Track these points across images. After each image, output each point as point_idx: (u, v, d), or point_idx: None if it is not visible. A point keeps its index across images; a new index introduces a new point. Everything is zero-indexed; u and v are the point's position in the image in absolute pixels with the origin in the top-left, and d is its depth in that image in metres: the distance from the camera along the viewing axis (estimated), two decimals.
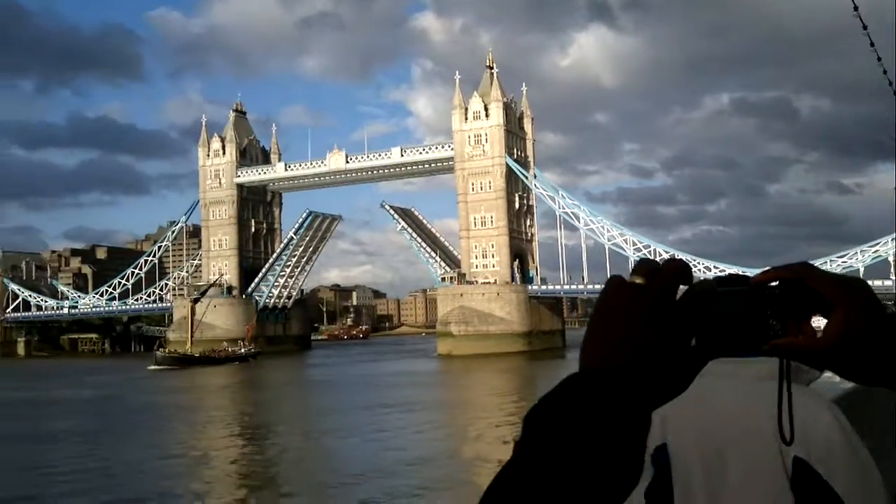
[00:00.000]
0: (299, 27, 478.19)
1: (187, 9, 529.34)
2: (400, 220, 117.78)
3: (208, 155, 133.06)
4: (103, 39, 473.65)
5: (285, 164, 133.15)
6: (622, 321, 0.73)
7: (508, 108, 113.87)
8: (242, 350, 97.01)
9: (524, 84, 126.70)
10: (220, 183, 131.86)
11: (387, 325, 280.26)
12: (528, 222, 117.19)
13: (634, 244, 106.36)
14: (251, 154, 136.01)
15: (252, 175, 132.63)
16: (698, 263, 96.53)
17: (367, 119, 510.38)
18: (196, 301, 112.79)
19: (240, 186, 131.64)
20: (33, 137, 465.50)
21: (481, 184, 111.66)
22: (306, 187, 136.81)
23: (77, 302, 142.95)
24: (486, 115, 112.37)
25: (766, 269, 0.80)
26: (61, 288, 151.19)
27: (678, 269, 0.75)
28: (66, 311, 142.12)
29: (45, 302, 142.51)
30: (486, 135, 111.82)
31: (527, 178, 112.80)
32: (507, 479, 0.67)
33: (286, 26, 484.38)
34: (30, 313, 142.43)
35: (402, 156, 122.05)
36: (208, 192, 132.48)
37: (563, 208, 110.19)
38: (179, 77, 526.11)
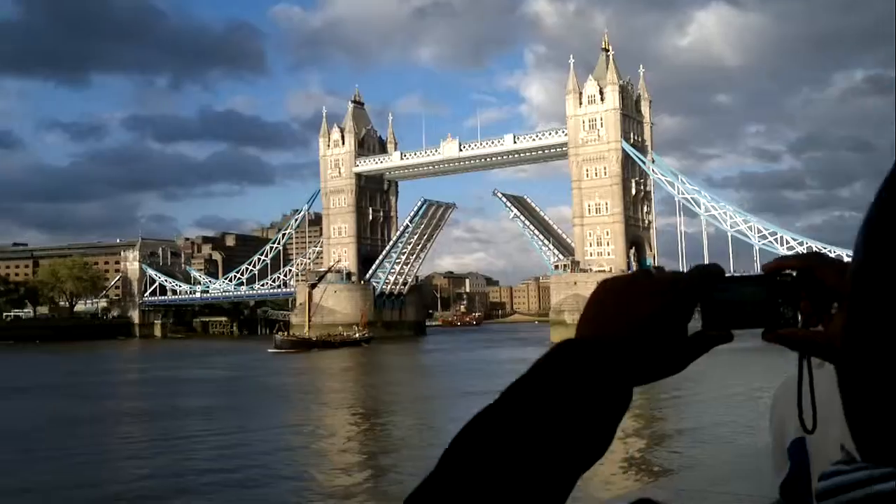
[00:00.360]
0: (414, 17, 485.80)
1: (307, 4, 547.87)
2: (513, 207, 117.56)
3: (328, 145, 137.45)
4: (229, 36, 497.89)
5: (401, 153, 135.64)
6: (639, 304, 0.77)
7: (624, 91, 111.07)
8: (357, 335, 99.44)
9: (641, 66, 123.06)
10: (339, 172, 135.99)
11: (499, 312, 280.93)
12: (644, 209, 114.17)
13: (759, 231, 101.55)
14: (369, 144, 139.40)
15: (369, 164, 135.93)
16: (831, 251, 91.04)
17: (479, 106, 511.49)
18: (313, 286, 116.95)
19: (358, 175, 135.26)
20: (168, 131, 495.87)
21: (596, 170, 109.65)
22: (421, 175, 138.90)
23: (208, 287, 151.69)
24: (602, 99, 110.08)
25: (779, 257, 0.81)
26: (194, 273, 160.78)
27: (710, 272, 0.79)
28: (198, 295, 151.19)
29: (180, 286, 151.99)
30: (602, 119, 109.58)
31: (644, 162, 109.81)
32: (479, 425, 0.71)
33: (401, 17, 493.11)
34: (166, 297, 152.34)
35: (514, 142, 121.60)
36: (328, 181, 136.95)
37: (683, 194, 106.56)
38: (300, 70, 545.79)
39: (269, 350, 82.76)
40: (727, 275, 0.80)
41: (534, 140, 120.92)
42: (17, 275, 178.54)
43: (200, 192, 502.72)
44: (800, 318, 0.81)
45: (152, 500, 16.49)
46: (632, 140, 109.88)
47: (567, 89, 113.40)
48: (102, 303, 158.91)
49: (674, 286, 0.78)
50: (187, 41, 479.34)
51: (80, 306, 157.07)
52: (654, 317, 0.77)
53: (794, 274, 0.81)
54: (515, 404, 0.71)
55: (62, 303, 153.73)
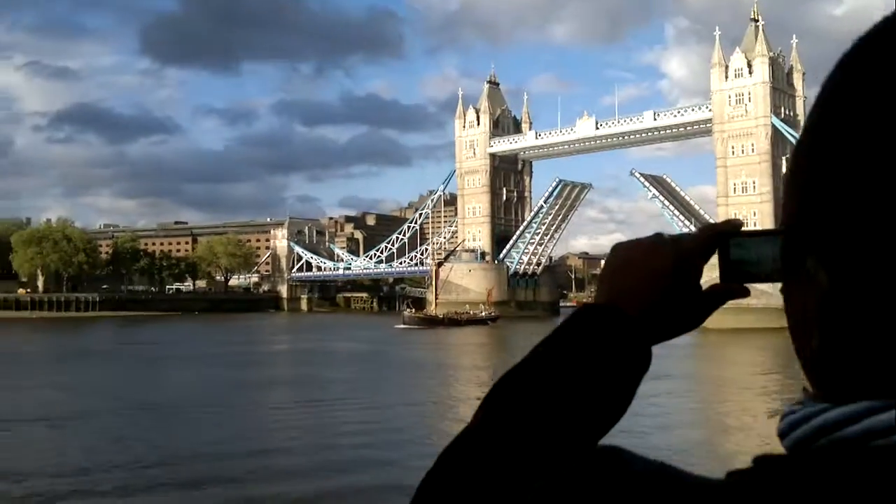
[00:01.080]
0: None
1: None
2: (651, 187, 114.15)
3: (464, 126, 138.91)
4: (370, 22, 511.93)
5: (536, 133, 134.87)
6: (647, 267, 0.80)
7: (775, 64, 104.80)
8: (483, 313, 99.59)
9: (794, 36, 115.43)
10: (474, 153, 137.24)
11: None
12: None
13: None
14: (503, 124, 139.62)
15: (504, 145, 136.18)
16: None
17: (616, 84, 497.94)
18: (439, 265, 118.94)
19: (492, 156, 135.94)
20: (312, 115, 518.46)
21: (742, 146, 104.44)
22: (556, 155, 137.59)
23: (350, 264, 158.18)
24: (750, 72, 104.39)
25: None
26: (337, 251, 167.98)
27: (711, 231, 0.79)
28: (341, 271, 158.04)
29: (324, 263, 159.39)
30: (749, 93, 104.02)
31: (796, 138, 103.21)
32: (506, 385, 0.75)
33: None
34: (311, 273, 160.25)
35: (654, 119, 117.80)
36: (464, 161, 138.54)
37: None
38: (436, 53, 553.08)
39: (397, 326, 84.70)
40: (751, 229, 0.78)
41: (675, 116, 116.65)
42: (178, 251, 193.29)
43: (342, 173, 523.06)
44: None
45: (299, 456, 17.80)
46: (782, 115, 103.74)
47: (712, 62, 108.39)
48: (254, 278, 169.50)
49: (676, 245, 0.80)
50: (330, 28, 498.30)
51: (233, 281, 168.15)
52: (662, 277, 0.79)
53: None
54: (538, 367, 0.75)
55: (218, 277, 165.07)
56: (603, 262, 0.83)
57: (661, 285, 0.79)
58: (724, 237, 0.78)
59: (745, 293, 0.80)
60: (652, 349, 0.77)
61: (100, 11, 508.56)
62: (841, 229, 0.47)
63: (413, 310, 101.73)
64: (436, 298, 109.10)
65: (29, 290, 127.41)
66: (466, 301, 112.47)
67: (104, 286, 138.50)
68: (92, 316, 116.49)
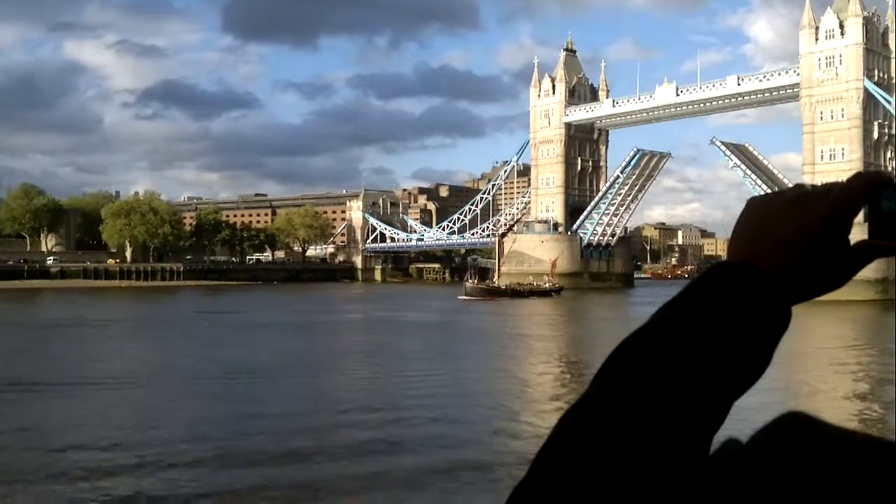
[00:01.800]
0: None
1: None
2: (732, 156, 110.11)
3: (539, 95, 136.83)
4: None
5: (613, 101, 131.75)
6: (793, 221, 0.73)
7: (869, 24, 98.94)
8: (546, 284, 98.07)
9: None
10: (549, 122, 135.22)
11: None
12: (888, 155, 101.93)
13: None
14: (580, 92, 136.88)
15: (580, 114, 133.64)
16: None
17: (698, 49, 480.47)
18: (503, 235, 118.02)
19: (567, 125, 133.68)
20: (387, 88, 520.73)
21: (832, 112, 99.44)
22: (633, 123, 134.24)
23: (423, 235, 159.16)
24: (842, 34, 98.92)
25: None
26: (410, 222, 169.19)
27: (865, 181, 0.73)
28: (414, 242, 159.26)
29: (398, 234, 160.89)
30: (841, 56, 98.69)
31: (890, 103, 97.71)
32: (641, 342, 0.70)
33: None
34: (385, 244, 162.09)
35: (738, 85, 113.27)
36: (538, 131, 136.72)
37: None
38: (511, 21, 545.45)
39: (459, 297, 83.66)
40: None
41: (760, 81, 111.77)
42: (258, 222, 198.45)
43: (416, 145, 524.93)
44: None
45: (372, 430, 18.06)
46: (876, 78, 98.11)
47: (801, 24, 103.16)
48: (330, 248, 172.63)
49: (825, 197, 0.73)
50: (405, 0, 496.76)
51: (311, 251, 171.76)
52: (803, 230, 0.73)
53: None
54: (669, 328, 0.70)
55: (296, 248, 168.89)
56: (734, 225, 0.77)
57: (809, 241, 0.72)
58: (876, 189, 0.72)
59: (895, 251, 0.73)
60: (755, 309, 0.70)
61: None
62: None
63: (476, 280, 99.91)
64: (499, 269, 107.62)
65: (118, 260, 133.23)
66: (541, 272, 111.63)
67: (188, 256, 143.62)
68: (177, 285, 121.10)
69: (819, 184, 0.78)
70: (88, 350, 34.03)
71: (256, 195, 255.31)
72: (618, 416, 0.65)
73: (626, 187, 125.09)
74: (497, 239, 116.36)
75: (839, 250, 0.73)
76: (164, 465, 14.22)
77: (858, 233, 0.69)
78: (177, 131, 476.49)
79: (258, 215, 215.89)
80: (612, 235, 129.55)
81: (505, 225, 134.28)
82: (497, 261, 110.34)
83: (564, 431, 0.65)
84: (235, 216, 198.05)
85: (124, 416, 19.00)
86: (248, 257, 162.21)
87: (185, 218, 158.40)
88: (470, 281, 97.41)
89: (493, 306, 72.03)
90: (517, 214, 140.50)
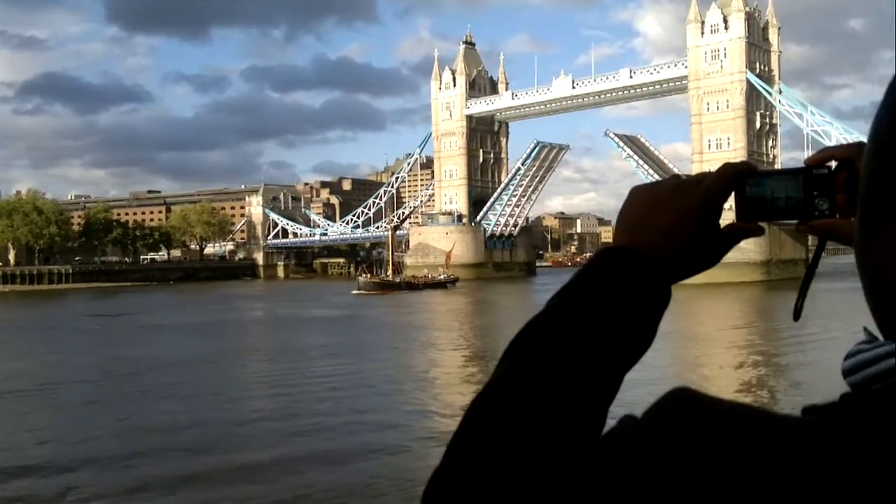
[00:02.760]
0: None
1: None
2: (626, 147, 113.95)
3: (440, 88, 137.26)
4: None
5: (512, 93, 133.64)
6: (671, 208, 0.82)
7: (751, 19, 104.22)
8: (442, 276, 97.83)
9: None
10: (450, 115, 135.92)
11: None
12: (770, 143, 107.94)
13: None
14: (480, 84, 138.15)
15: (481, 106, 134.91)
16: None
17: (591, 43, 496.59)
18: (395, 229, 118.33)
19: (469, 118, 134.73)
20: (285, 81, 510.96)
21: (717, 103, 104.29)
22: (532, 115, 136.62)
23: (326, 230, 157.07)
24: (726, 28, 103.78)
25: (823, 148, 0.84)
26: (313, 217, 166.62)
27: (732, 170, 0.82)
28: (317, 237, 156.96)
29: (300, 230, 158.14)
30: (725, 49, 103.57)
31: (770, 94, 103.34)
32: (540, 327, 0.77)
33: None
34: (287, 240, 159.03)
35: (630, 77, 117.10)
36: (440, 124, 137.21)
37: (812, 126, 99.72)
38: (410, 15, 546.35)
39: (353, 292, 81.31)
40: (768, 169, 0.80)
41: (651, 74, 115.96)
42: (151, 220, 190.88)
43: (317, 138, 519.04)
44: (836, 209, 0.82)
45: (276, 422, 17.47)
46: (757, 70, 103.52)
47: (688, 19, 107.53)
48: (229, 246, 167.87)
49: (699, 185, 0.82)
50: None
51: (209, 249, 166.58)
52: (682, 216, 0.81)
53: (832, 167, 0.82)
54: (564, 312, 0.77)
55: (193, 246, 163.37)
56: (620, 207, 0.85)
57: (686, 225, 0.81)
58: (741, 176, 0.82)
59: (760, 231, 0.83)
60: (638, 290, 0.79)
61: None
62: None
63: (368, 275, 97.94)
64: (392, 262, 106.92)
65: (0, 264, 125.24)
66: (444, 263, 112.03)
67: (77, 258, 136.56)
68: (65, 288, 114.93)
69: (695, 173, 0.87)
70: None
71: (149, 192, 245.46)
72: (519, 396, 0.71)
73: (527, 179, 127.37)
74: (390, 232, 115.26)
75: (712, 233, 0.83)
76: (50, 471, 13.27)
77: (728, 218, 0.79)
78: (61, 126, 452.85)
79: (151, 213, 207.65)
80: (515, 226, 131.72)
81: (398, 217, 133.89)
82: (390, 254, 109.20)
83: (473, 417, 0.71)
84: (127, 214, 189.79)
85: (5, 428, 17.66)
86: (142, 257, 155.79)
87: (72, 217, 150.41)
88: (363, 275, 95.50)
89: (389, 300, 70.89)
90: (420, 207, 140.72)
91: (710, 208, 0.82)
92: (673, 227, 0.81)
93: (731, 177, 0.82)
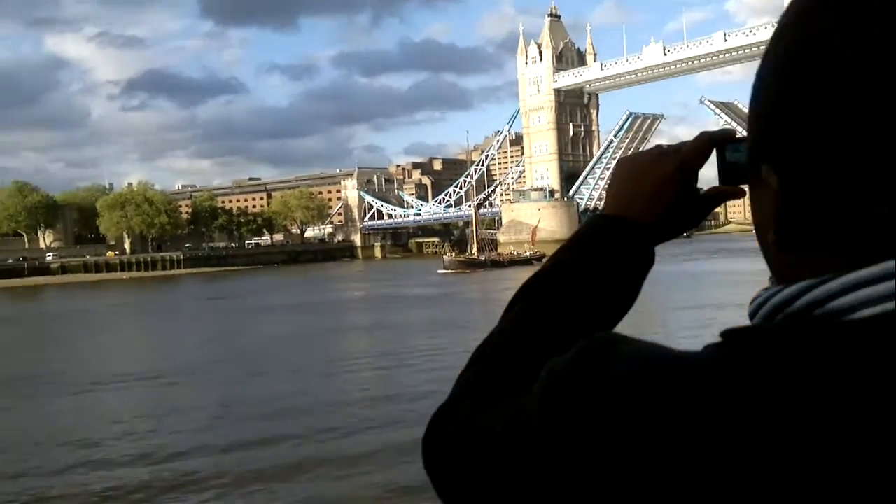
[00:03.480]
0: None
1: None
2: (723, 114, 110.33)
3: (526, 63, 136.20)
4: None
5: (601, 64, 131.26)
6: (651, 176, 0.90)
7: None
8: (527, 253, 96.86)
9: None
10: (538, 89, 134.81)
11: (712, 222, 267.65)
12: None
13: None
14: (567, 57, 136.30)
15: (569, 79, 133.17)
16: None
17: (681, 7, 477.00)
18: (479, 206, 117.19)
19: (557, 91, 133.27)
20: (372, 65, 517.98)
21: None
22: (622, 86, 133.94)
23: (420, 210, 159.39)
24: None
25: None
26: (406, 198, 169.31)
27: (708, 138, 0.88)
28: (411, 217, 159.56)
29: (395, 210, 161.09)
30: None
31: None
32: (538, 284, 0.89)
33: None
34: (383, 221, 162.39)
35: (725, 41, 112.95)
36: (528, 99, 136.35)
37: None
38: None
39: (438, 271, 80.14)
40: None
41: (747, 36, 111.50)
42: (254, 206, 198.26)
43: (405, 120, 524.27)
44: None
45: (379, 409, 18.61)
46: None
47: None
48: (328, 228, 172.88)
49: (677, 153, 0.89)
50: None
51: (309, 232, 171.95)
52: (661, 183, 0.89)
53: None
54: (558, 270, 0.88)
55: (294, 230, 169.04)
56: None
57: (665, 190, 0.88)
58: (720, 143, 0.85)
59: (741, 194, 0.85)
60: (623, 252, 0.88)
61: None
62: (786, 144, 0.58)
63: (454, 253, 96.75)
64: (476, 240, 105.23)
65: (117, 253, 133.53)
66: (541, 240, 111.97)
67: (187, 244, 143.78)
68: (178, 273, 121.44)
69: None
70: (99, 343, 34.58)
71: (250, 179, 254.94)
72: (513, 342, 0.83)
73: (621, 151, 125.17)
74: (474, 211, 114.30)
75: (690, 198, 0.90)
76: (172, 455, 14.56)
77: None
78: (165, 120, 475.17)
79: (253, 199, 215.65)
80: None
81: (484, 196, 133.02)
82: (474, 232, 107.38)
83: (476, 357, 0.83)
84: (231, 202, 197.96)
85: (135, 411, 19.51)
86: (246, 242, 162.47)
87: (180, 206, 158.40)
88: (448, 254, 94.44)
89: (475, 277, 69.88)
90: (513, 183, 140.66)
91: (687, 174, 0.89)
92: (653, 193, 0.89)
93: (706, 144, 0.87)
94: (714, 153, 0.86)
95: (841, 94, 0.52)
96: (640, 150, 0.89)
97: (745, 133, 0.64)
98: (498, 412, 0.68)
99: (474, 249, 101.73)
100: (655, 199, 0.89)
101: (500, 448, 0.65)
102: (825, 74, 0.53)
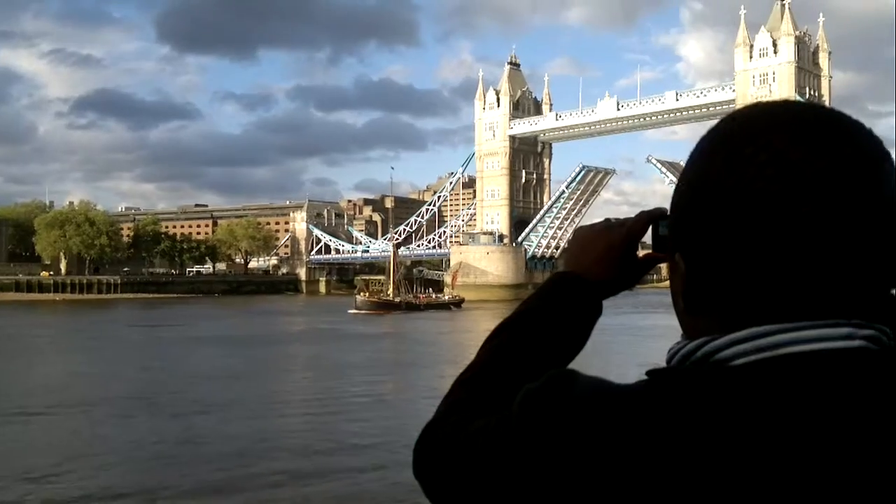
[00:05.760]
0: None
1: None
2: (668, 173, 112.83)
3: (484, 108, 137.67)
4: (382, 9, 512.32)
5: (556, 114, 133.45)
6: (602, 243, 1.09)
7: (801, 43, 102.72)
8: (446, 297, 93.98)
9: (821, 15, 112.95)
10: (493, 135, 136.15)
11: (654, 277, 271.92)
12: None
13: None
14: (524, 105, 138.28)
15: (524, 126, 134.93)
16: None
17: (633, 67, 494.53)
18: (398, 246, 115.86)
19: (512, 138, 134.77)
20: (328, 100, 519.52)
21: None
22: (576, 137, 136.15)
23: (368, 247, 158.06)
24: (775, 52, 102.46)
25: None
26: (355, 234, 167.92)
27: (647, 215, 1.08)
28: (359, 254, 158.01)
29: (343, 246, 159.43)
30: (774, 73, 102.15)
31: None
32: (504, 329, 1.07)
33: None
34: (330, 256, 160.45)
35: (676, 100, 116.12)
36: (483, 144, 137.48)
37: None
38: (450, 38, 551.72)
39: (350, 311, 76.36)
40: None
41: (697, 97, 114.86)
42: (199, 233, 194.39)
43: (359, 157, 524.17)
44: None
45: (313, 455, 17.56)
46: (807, 95, 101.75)
47: (736, 42, 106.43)
48: (273, 260, 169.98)
49: (623, 226, 1.09)
50: (344, 17, 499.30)
51: (253, 263, 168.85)
52: (609, 249, 1.08)
53: None
54: (521, 319, 1.06)
55: (238, 260, 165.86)
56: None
57: (613, 255, 1.08)
58: (655, 219, 1.05)
59: (668, 259, 0.98)
60: (578, 304, 1.06)
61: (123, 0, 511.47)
62: (690, 243, 0.82)
63: (366, 293, 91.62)
64: (392, 281, 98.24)
65: (52, 273, 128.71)
66: (486, 284, 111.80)
67: (125, 269, 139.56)
68: (114, 298, 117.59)
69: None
70: (17, 368, 32.52)
71: (197, 206, 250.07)
72: (482, 375, 1.01)
73: (571, 202, 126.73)
74: (392, 252, 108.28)
75: (632, 262, 1.10)
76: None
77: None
78: (113, 141, 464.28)
79: (199, 226, 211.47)
80: (557, 248, 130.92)
81: (401, 235, 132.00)
82: (392, 273, 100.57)
83: (459, 383, 1.01)
84: (175, 227, 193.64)
85: (55, 446, 18.07)
86: (188, 269, 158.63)
87: (122, 229, 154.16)
88: (361, 294, 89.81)
89: (388, 321, 66.00)
90: (463, 226, 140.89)
91: (630, 243, 1.09)
92: (602, 257, 1.08)
93: (646, 219, 1.07)
94: (650, 228, 1.05)
95: (723, 213, 0.76)
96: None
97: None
98: (483, 423, 0.85)
99: (389, 290, 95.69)
100: (603, 261, 1.08)
101: (485, 452, 0.81)
102: (714, 198, 0.77)
